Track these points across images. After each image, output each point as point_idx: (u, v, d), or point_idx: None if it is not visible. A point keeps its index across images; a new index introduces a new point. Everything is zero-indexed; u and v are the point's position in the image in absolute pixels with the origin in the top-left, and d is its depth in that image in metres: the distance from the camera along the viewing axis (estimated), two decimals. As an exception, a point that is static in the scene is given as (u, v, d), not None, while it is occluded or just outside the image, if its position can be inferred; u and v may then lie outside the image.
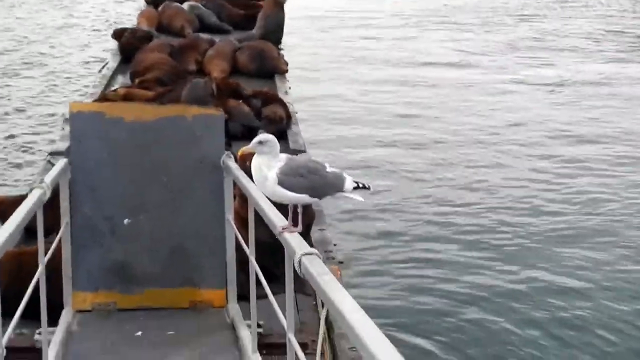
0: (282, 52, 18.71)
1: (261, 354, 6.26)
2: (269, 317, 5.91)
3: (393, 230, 12.57)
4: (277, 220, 4.65)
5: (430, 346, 9.65)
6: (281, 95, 14.95)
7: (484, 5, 35.23)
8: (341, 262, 8.96)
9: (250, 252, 5.93)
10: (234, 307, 7.23)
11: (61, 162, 7.02)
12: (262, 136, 4.37)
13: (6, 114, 18.92)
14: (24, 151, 16.24)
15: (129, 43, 18.01)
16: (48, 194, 5.93)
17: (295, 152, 12.22)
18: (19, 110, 19.18)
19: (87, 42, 26.86)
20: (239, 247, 6.71)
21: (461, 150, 16.53)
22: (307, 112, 17.18)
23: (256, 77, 16.62)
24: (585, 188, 14.60)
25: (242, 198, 7.40)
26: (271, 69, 17.06)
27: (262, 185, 4.32)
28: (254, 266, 5.81)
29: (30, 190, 6.09)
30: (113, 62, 18.09)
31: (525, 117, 18.96)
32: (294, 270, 3.97)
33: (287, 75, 17.23)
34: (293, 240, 4.16)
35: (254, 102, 13.44)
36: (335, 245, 9.34)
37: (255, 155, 4.34)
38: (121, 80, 16.65)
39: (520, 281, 11.14)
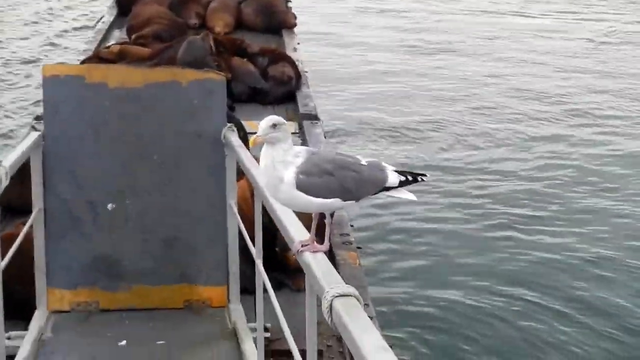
0: (290, 4, 17.45)
1: (269, 362, 5.14)
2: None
3: (413, 211, 11.30)
4: (293, 230, 3.52)
5: (449, 341, 8.63)
6: (289, 52, 13.77)
7: None
8: (359, 248, 7.83)
9: (256, 254, 4.80)
10: (236, 309, 6.16)
11: (32, 136, 5.93)
12: (275, 118, 3.20)
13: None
14: (10, 117, 15.05)
15: (126, -6, 16.78)
16: (5, 181, 4.82)
17: (306, 116, 11.07)
18: (13, 71, 17.94)
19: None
20: (242, 236, 5.63)
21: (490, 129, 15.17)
22: (317, 72, 15.91)
23: (262, 32, 15.47)
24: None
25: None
26: (279, 23, 15.85)
27: (275, 189, 3.15)
28: (261, 272, 4.69)
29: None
30: (109, 16, 16.82)
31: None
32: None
33: (295, 30, 15.98)
34: (318, 267, 3.03)
35: (260, 60, 12.31)
36: (352, 226, 8.20)
37: (265, 146, 3.18)
38: (117, 36, 15.41)
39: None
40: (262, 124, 3.17)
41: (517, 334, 8.86)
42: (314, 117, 11.06)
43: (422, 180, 3.27)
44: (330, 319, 2.68)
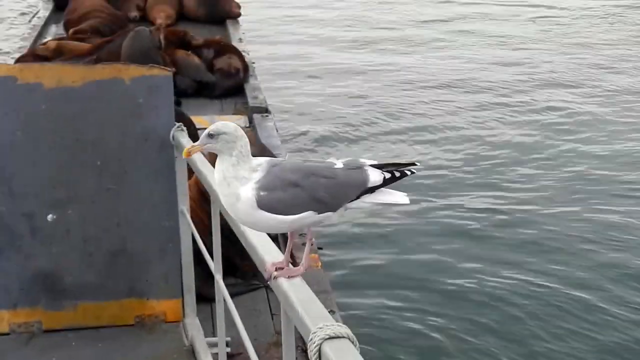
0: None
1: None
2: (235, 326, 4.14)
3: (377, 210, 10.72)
4: (262, 249, 3.03)
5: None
6: (235, 43, 13.29)
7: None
8: (320, 249, 7.37)
9: (215, 268, 4.31)
10: (192, 323, 5.65)
11: (-39, 145, 5.37)
12: (216, 126, 2.68)
13: None
14: None
15: (63, -13, 16.12)
16: None
17: (256, 109, 10.59)
18: None
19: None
20: (196, 244, 5.15)
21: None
22: (265, 61, 15.39)
23: (206, 23, 14.96)
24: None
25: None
26: (222, 13, 15.38)
27: (233, 209, 2.65)
28: (221, 287, 4.21)
29: None
30: (45, 11, 16.18)
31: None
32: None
33: (240, 19, 15.47)
34: (298, 298, 2.54)
35: (206, 52, 11.88)
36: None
37: (218, 158, 2.66)
38: (54, 31, 14.79)
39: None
40: (204, 133, 2.68)
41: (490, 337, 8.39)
42: (264, 110, 10.62)
43: (412, 172, 2.74)
44: (319, 363, 2.21)
